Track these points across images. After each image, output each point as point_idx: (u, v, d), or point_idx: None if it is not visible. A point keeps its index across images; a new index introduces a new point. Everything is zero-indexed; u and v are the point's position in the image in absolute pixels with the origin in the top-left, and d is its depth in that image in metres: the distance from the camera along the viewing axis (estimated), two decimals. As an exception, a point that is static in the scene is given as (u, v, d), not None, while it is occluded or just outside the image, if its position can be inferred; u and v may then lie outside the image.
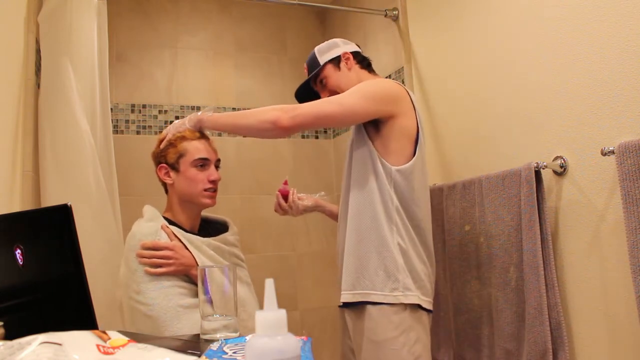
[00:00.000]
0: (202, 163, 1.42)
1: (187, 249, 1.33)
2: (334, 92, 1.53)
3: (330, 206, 1.71)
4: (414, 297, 1.33)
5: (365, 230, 1.38)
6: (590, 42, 1.31)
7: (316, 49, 1.59)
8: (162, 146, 1.45)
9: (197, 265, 1.30)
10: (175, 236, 1.35)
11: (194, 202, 1.43)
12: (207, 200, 1.44)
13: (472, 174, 1.66)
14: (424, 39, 2.09)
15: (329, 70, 1.55)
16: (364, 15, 2.52)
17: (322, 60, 1.56)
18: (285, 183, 1.60)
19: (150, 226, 1.36)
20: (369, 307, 1.33)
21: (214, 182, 1.44)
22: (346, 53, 1.56)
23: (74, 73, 1.75)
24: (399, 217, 1.36)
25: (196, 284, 1.29)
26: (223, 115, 1.44)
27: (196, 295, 1.29)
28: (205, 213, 1.55)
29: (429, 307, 1.38)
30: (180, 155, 1.42)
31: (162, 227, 1.35)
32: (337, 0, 2.78)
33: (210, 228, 1.54)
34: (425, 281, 1.37)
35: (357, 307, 1.37)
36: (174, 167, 1.43)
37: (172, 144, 1.43)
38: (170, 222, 1.41)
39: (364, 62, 1.59)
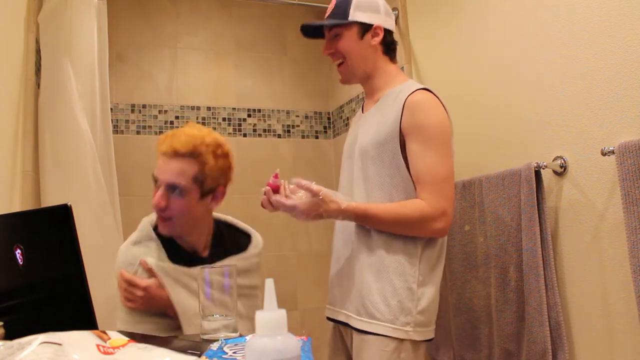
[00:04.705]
0: (155, 182, 1.22)
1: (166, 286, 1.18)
2: (338, 53, 1.38)
3: None
4: (423, 334, 1.26)
5: (381, 255, 1.28)
6: (590, 42, 1.31)
7: None
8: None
9: (174, 304, 1.16)
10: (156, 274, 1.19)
11: None
12: (160, 227, 1.25)
13: (472, 174, 1.66)
14: (424, 39, 2.09)
15: (351, 33, 1.35)
16: (364, 15, 2.52)
17: (353, 15, 1.34)
18: (276, 176, 1.41)
19: (132, 254, 1.23)
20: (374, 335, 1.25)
21: (155, 207, 1.21)
22: (380, 27, 1.36)
23: (74, 73, 1.75)
24: (420, 242, 1.27)
25: (172, 318, 1.19)
26: (374, 212, 1.24)
27: (169, 328, 1.19)
28: (234, 220, 1.42)
29: (432, 335, 1.30)
30: None
31: (141, 263, 1.20)
32: (337, 0, 2.78)
33: (229, 243, 1.36)
34: (434, 311, 1.30)
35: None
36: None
37: None
38: (170, 239, 1.28)
39: (390, 47, 1.40)
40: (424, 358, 1.33)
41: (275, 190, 1.35)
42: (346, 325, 1.34)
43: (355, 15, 1.34)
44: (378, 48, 1.37)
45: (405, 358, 1.22)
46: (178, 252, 1.26)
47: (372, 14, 1.35)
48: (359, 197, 1.33)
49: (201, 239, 1.30)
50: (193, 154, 1.19)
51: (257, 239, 1.40)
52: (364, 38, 1.35)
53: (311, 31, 1.44)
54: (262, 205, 1.37)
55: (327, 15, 1.39)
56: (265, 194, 1.33)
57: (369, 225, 1.28)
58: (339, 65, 1.40)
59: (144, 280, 1.18)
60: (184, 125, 1.27)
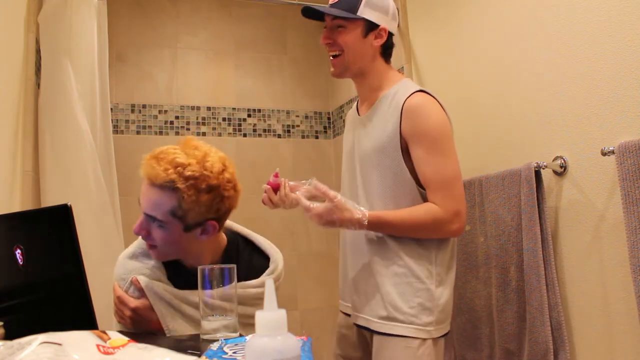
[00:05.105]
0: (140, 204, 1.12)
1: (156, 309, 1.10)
2: (337, 46, 1.33)
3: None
4: (442, 330, 1.27)
5: (397, 260, 1.28)
6: (590, 42, 1.31)
7: None
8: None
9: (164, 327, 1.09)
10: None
11: None
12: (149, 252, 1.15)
13: (472, 174, 1.66)
14: (424, 38, 2.09)
15: (356, 29, 1.30)
16: (364, 15, 2.52)
17: (362, 11, 1.29)
18: (276, 175, 1.42)
19: (127, 269, 1.15)
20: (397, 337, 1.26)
21: (135, 234, 1.12)
22: (385, 30, 1.32)
23: (74, 73, 1.75)
24: (433, 244, 1.28)
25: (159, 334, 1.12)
26: (388, 220, 1.24)
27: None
28: (256, 237, 1.31)
29: (449, 328, 1.31)
30: None
31: (133, 281, 1.12)
32: (337, 0, 2.78)
33: (242, 264, 1.18)
34: (451, 307, 1.31)
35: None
36: None
37: None
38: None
39: (387, 51, 1.38)
40: (442, 350, 1.33)
41: (276, 188, 1.41)
42: (366, 329, 1.33)
43: (364, 11, 1.29)
44: (377, 49, 1.35)
45: (429, 354, 1.24)
46: (179, 270, 1.17)
47: (380, 14, 1.31)
48: (363, 204, 1.32)
49: (202, 261, 1.17)
50: (169, 187, 1.04)
51: (275, 264, 1.21)
52: (367, 37, 1.31)
53: (312, 12, 1.35)
54: (263, 202, 1.43)
55: (333, 1, 1.32)
56: (265, 192, 1.39)
57: (383, 232, 1.28)
58: (334, 57, 1.35)
59: (133, 301, 1.10)
60: (181, 140, 1.14)
